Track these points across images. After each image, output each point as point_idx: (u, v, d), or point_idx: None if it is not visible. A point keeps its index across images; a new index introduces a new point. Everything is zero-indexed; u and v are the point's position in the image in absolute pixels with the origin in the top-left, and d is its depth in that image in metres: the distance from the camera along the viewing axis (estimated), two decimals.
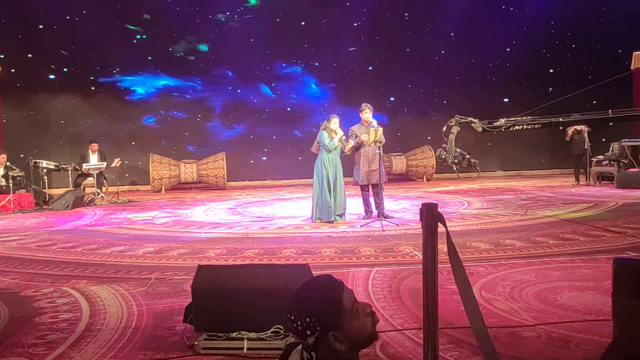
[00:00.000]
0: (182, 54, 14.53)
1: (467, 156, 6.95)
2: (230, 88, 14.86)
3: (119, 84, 14.41)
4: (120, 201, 10.86)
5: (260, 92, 15.04)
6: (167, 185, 13.37)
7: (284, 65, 15.02)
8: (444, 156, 7.32)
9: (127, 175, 14.25)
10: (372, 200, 7.71)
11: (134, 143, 14.36)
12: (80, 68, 14.00)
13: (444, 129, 7.42)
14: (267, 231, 6.95)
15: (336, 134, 7.42)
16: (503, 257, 5.01)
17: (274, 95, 15.03)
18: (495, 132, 7.92)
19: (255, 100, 15.01)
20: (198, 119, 14.77)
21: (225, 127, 14.97)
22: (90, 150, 11.56)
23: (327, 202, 7.30)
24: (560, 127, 11.65)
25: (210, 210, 9.28)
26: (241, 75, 14.84)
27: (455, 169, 6.71)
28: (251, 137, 14.83)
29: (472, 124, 7.52)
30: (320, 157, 7.49)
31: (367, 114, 7.51)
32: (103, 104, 14.20)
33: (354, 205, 8.93)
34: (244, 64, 14.65)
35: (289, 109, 14.96)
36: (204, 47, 14.69)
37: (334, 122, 7.43)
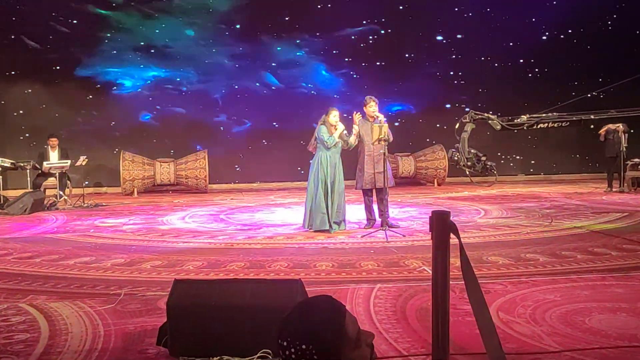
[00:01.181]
0: (166, 40, 14.54)
1: (483, 158, 6.94)
2: (228, 78, 14.88)
3: (100, 76, 14.39)
4: (85, 205, 10.84)
5: (265, 81, 15.06)
6: (140, 188, 13.36)
7: (280, 49, 15.01)
8: (456, 158, 7.34)
9: (88, 175, 14.23)
10: (375, 207, 7.73)
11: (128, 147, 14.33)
12: (47, 56, 14.00)
13: (457, 126, 7.43)
14: (254, 241, 6.95)
15: (336, 128, 7.43)
16: (524, 274, 5.02)
17: (281, 85, 15.06)
18: (516, 131, 7.92)
19: (265, 92, 15.03)
20: (200, 114, 14.76)
21: (233, 122, 14.98)
22: (49, 146, 11.52)
23: (322, 207, 7.30)
24: (592, 126, 11.69)
25: (189, 217, 9.27)
26: (240, 62, 14.83)
27: (468, 173, 6.70)
28: (264, 133, 14.83)
29: (490, 121, 7.52)
30: (317, 156, 7.50)
31: (372, 107, 7.52)
32: (76, 96, 14.19)
33: (354, 212, 8.91)
34: (240, 47, 14.66)
35: (299, 98, 14.93)
36: (190, 32, 14.73)
37: (334, 116, 7.45)
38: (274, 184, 14.86)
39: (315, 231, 7.32)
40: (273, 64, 15.11)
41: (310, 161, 7.63)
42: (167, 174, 13.55)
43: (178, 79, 14.85)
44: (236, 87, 14.96)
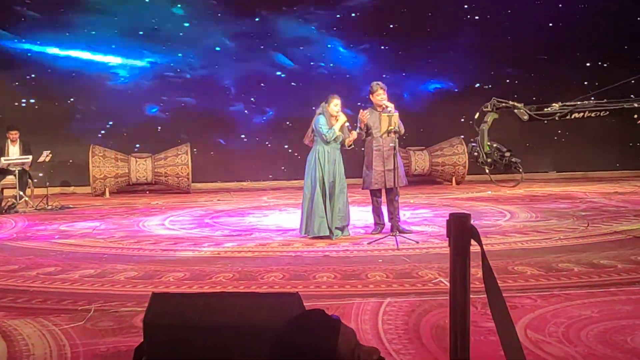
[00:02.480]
0: (153, 21, 14.56)
1: (507, 154, 6.88)
2: (234, 60, 14.88)
3: (89, 66, 14.44)
4: (49, 208, 10.84)
5: (277, 63, 15.08)
6: (112, 187, 13.36)
7: (286, 25, 15.03)
8: (476, 153, 7.32)
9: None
10: (385, 209, 7.73)
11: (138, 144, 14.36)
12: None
13: (476, 116, 7.38)
14: (244, 249, 6.95)
15: (337, 120, 7.44)
16: (556, 286, 5.02)
17: (295, 65, 15.08)
18: (546, 122, 7.88)
19: (281, 75, 15.07)
20: (212, 103, 14.77)
21: (252, 110, 15.01)
22: (8, 139, 11.51)
23: (320, 210, 7.31)
24: (635, 115, 11.64)
25: (170, 221, 9.28)
26: (242, 42, 14.85)
27: (487, 171, 6.63)
28: (288, 123, 14.85)
29: (515, 110, 7.48)
30: (314, 151, 7.49)
31: (380, 95, 7.54)
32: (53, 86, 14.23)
33: (360, 215, 8.91)
34: (240, 25, 14.71)
35: (320, 81, 14.92)
36: (178, 11, 14.75)
37: (335, 105, 7.45)
38: (267, 183, 14.87)
39: (315, 238, 7.33)
40: (275, 44, 15.04)
41: (307, 157, 7.64)
42: (143, 171, 13.56)
43: (177, 65, 14.82)
44: (246, 70, 14.93)
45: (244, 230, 8.29)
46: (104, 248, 7.14)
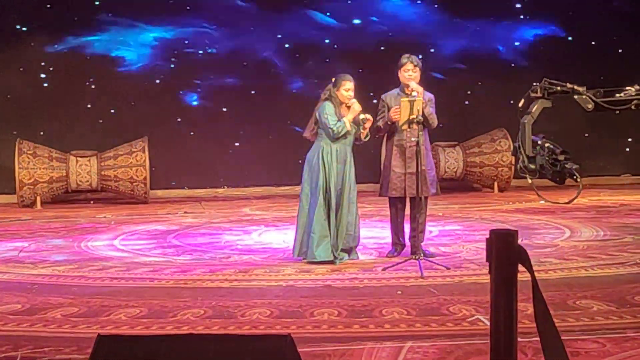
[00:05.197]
0: None
1: (561, 157, 6.68)
2: (262, 26, 14.87)
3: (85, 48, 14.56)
4: None
5: (316, 21, 15.16)
6: (46, 195, 13.34)
7: None
8: (520, 156, 7.20)
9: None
10: (407, 225, 7.73)
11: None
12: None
13: (520, 103, 7.27)
14: (219, 277, 6.93)
15: (349, 108, 7.44)
16: (631, 326, 5.01)
17: (338, 23, 15.16)
18: (618, 112, 7.87)
19: (328, 40, 15.18)
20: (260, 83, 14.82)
21: (315, 85, 15.03)
22: None
23: (323, 227, 7.31)
24: None
25: (121, 240, 9.27)
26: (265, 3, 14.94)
27: (530, 180, 6.44)
28: None
29: (576, 96, 7.42)
30: (317, 148, 7.49)
31: (407, 72, 7.49)
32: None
33: (372, 231, 8.90)
34: None
35: (382, 47, 14.98)
36: None
37: (346, 89, 7.43)
38: (249, 190, 14.86)
39: (313, 262, 7.32)
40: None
41: (306, 156, 7.65)
42: (86, 174, 13.50)
43: (195, 39, 14.90)
44: (281, 36, 15.00)
45: (219, 252, 8.27)
46: (33, 276, 7.11)
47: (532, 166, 6.39)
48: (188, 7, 14.81)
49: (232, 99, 14.99)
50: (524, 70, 14.86)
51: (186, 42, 15.03)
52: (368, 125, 7.46)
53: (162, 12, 14.84)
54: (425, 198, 7.52)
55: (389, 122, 7.47)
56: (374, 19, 15.32)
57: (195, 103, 15.13)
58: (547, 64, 14.29)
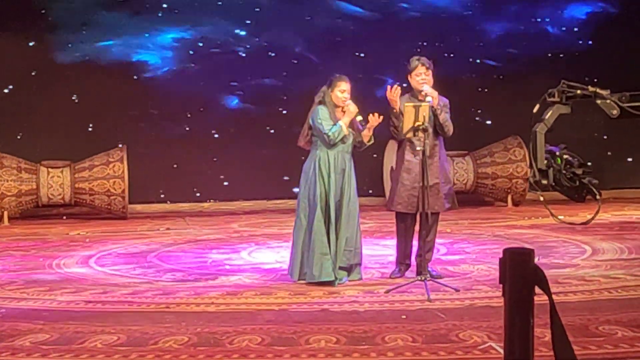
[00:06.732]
0: None
1: (579, 170, 6.61)
2: (288, 19, 14.91)
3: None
4: None
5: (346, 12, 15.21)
6: (13, 211, 13.34)
7: None
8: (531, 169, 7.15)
9: None
10: (413, 243, 7.75)
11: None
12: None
13: (535, 109, 7.24)
14: (205, 300, 6.93)
15: (344, 111, 7.46)
16: None
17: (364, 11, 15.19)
18: None
19: (361, 32, 15.10)
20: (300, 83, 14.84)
21: (372, 82, 15.02)
22: None
23: (322, 244, 7.31)
24: None
25: (97, 260, 9.25)
26: None
27: (541, 197, 6.36)
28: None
29: (599, 101, 7.39)
30: (313, 157, 7.52)
31: (420, 76, 7.49)
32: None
33: (375, 249, 8.90)
34: None
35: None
36: None
37: (341, 90, 7.46)
38: (238, 204, 14.86)
39: (310, 283, 7.33)
40: None
41: (303, 166, 7.66)
42: (59, 187, 13.49)
43: (219, 38, 15.00)
44: (313, 28, 15.03)
45: (205, 273, 8.27)
46: (0, 299, 7.09)
47: (545, 181, 6.27)
48: None
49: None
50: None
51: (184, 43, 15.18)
52: (372, 125, 7.44)
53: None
54: (437, 213, 7.53)
55: (395, 111, 7.39)
56: (404, 4, 15.36)
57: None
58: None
